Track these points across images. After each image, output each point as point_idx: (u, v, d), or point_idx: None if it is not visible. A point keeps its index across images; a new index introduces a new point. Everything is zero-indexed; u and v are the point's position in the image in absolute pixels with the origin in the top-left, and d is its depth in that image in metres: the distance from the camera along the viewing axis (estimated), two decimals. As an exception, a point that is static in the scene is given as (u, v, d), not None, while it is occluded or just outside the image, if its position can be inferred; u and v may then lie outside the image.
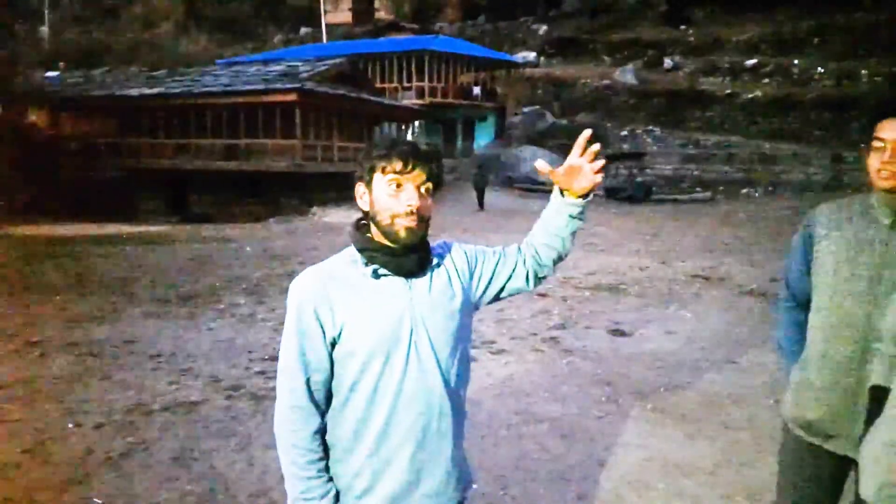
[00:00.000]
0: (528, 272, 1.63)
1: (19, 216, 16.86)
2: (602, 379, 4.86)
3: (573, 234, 1.61)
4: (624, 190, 23.00)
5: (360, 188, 1.48)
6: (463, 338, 1.51)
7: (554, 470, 3.44)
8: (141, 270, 9.53)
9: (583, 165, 1.52)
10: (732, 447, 3.69)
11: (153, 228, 16.37)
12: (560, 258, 1.65)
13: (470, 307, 1.56)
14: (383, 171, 1.42)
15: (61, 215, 18.11)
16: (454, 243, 1.62)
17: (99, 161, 21.89)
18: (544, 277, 1.67)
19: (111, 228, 15.76)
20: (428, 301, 1.45)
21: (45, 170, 20.11)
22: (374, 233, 1.46)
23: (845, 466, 1.87)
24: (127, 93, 22.00)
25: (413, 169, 1.41)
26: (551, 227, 1.60)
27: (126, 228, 16.04)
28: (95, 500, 3.06)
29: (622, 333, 6.16)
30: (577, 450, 3.67)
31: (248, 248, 12.18)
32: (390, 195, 1.42)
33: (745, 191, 24.01)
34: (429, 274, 1.48)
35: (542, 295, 7.77)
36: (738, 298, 7.77)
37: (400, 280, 1.44)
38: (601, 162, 1.52)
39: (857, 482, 1.87)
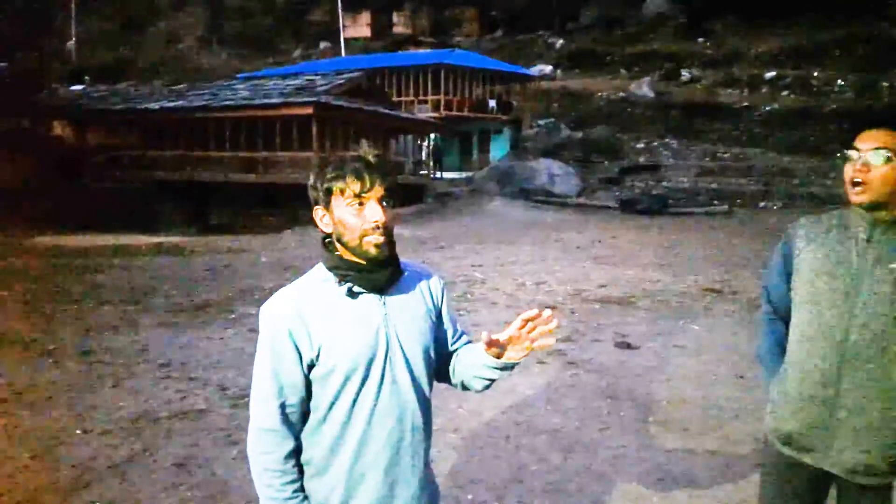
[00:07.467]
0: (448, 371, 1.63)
1: (41, 226, 17.23)
2: (605, 392, 4.85)
3: (485, 386, 1.56)
4: (639, 202, 22.87)
5: (318, 211, 1.47)
6: (432, 355, 1.53)
7: (551, 482, 3.45)
8: (157, 280, 9.69)
9: (521, 336, 1.44)
10: (733, 461, 3.66)
11: (171, 239, 16.61)
12: (463, 389, 1.64)
13: (434, 331, 1.56)
14: (342, 192, 1.40)
15: (83, 226, 18.48)
16: (436, 276, 1.62)
17: (121, 173, 22.35)
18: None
19: (130, 239, 16.04)
20: (402, 317, 1.46)
21: (68, 181, 20.59)
22: (342, 251, 1.45)
23: (824, 481, 1.87)
24: (149, 106, 22.46)
25: (371, 186, 1.39)
26: (468, 370, 1.56)
27: (145, 239, 16.30)
28: (98, 504, 3.14)
29: (629, 346, 6.13)
30: (576, 462, 3.68)
31: (263, 259, 12.32)
32: (353, 215, 1.40)
33: (762, 204, 23.75)
34: (402, 291, 1.49)
35: (550, 307, 7.76)
36: (750, 312, 7.69)
37: (374, 297, 1.45)
38: (543, 329, 1.42)
39: (837, 498, 1.88)
